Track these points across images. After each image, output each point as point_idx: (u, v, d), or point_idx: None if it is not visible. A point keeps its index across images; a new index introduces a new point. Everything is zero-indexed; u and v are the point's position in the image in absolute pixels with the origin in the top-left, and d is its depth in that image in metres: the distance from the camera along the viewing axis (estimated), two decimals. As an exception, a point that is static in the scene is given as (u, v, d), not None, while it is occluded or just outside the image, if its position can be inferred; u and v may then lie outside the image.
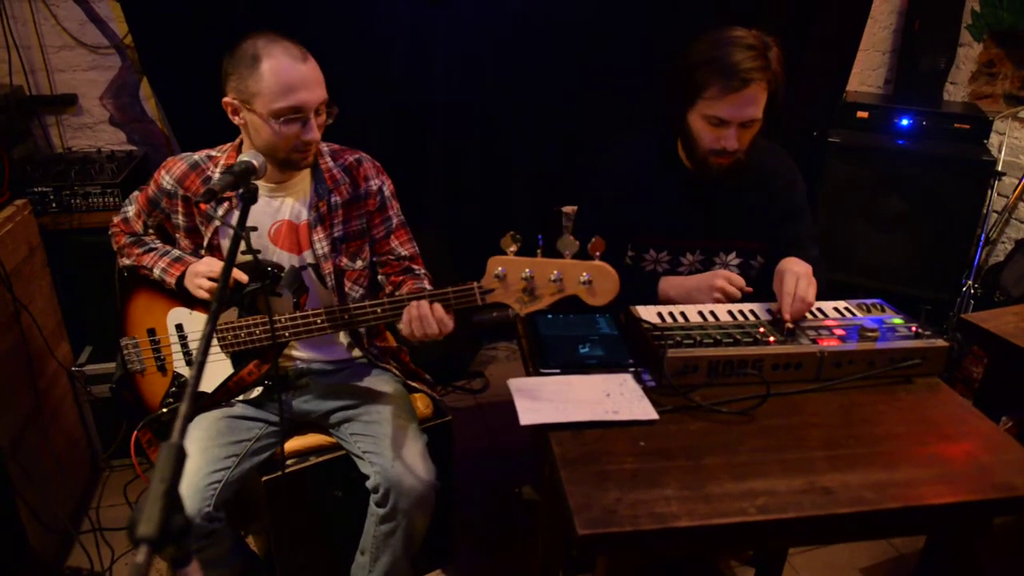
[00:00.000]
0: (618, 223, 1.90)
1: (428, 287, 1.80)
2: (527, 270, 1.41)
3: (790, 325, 1.61)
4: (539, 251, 1.41)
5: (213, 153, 1.79)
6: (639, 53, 2.94)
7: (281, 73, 1.55)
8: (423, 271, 1.90)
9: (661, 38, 2.85)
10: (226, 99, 1.63)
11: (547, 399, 1.46)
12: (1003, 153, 3.25)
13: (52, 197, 2.44)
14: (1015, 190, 3.24)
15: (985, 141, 3.14)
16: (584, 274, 1.39)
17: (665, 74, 1.82)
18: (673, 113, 1.82)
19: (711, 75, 1.69)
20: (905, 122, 3.17)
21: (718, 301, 1.78)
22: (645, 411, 1.41)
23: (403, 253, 1.90)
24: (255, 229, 1.68)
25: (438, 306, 1.54)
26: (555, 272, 1.40)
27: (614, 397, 1.47)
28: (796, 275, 1.66)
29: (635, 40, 2.94)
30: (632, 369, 1.56)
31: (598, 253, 1.38)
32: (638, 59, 2.93)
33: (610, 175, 1.96)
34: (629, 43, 2.95)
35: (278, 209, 1.77)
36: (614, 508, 1.16)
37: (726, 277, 1.78)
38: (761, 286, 1.89)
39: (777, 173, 1.93)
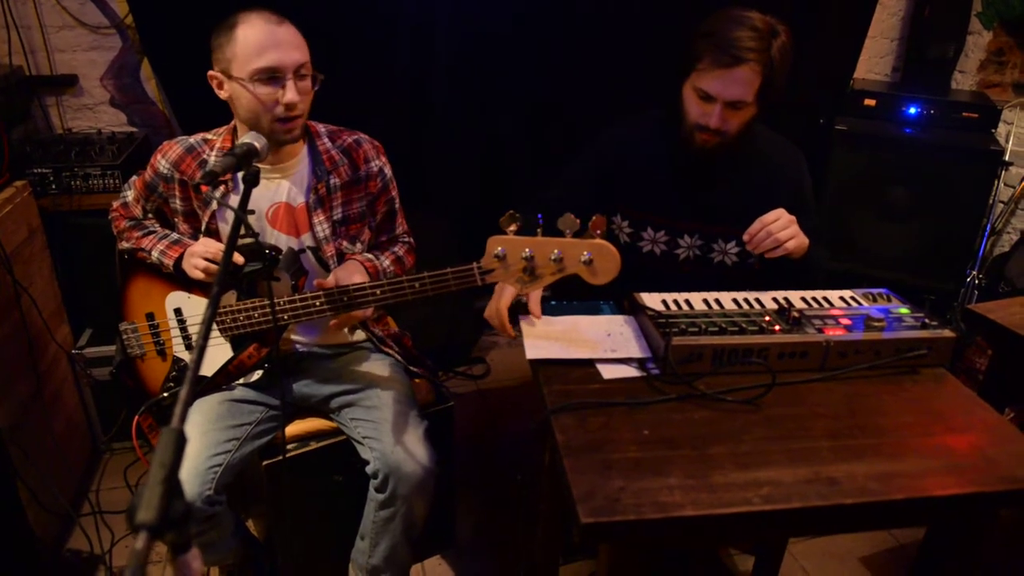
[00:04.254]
0: (609, 190, 1.89)
1: (400, 253, 1.92)
2: (527, 249, 1.40)
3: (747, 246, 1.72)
4: (539, 230, 1.40)
5: (208, 136, 1.77)
6: (644, 37, 2.91)
7: (254, 34, 1.56)
8: (411, 240, 1.99)
9: (667, 22, 2.84)
10: (211, 72, 1.63)
11: (553, 338, 1.59)
12: (1011, 143, 3.22)
13: (52, 178, 2.42)
14: (1022, 180, 3.22)
15: (993, 130, 3.12)
16: (585, 253, 1.38)
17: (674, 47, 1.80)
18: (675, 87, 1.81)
19: (707, 47, 1.68)
20: (912, 110, 3.14)
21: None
22: (642, 349, 1.55)
23: (399, 231, 1.96)
24: (252, 212, 1.67)
25: None
26: (555, 251, 1.39)
27: (614, 336, 1.60)
28: (780, 213, 1.70)
29: (639, 24, 2.91)
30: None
31: (599, 231, 1.36)
32: (643, 43, 2.91)
33: (612, 142, 1.95)
34: (634, 27, 2.92)
35: (275, 191, 1.75)
36: (617, 497, 1.15)
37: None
38: (760, 282, 1.87)
39: (784, 168, 1.91)
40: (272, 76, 1.57)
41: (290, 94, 1.58)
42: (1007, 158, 3.13)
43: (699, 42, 1.70)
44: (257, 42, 1.55)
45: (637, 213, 1.94)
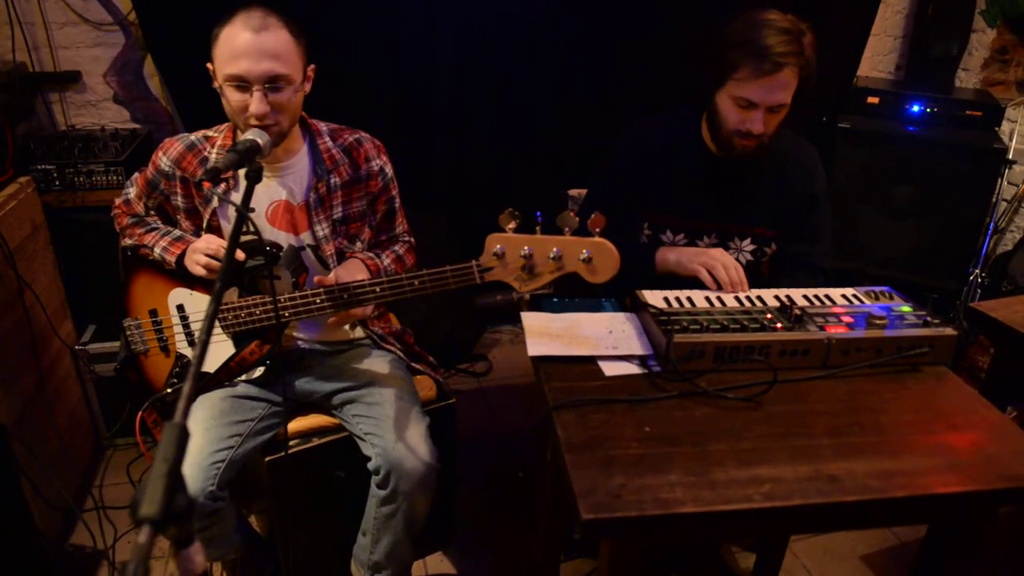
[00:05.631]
0: (634, 197, 1.89)
1: (401, 252, 1.90)
2: (526, 247, 1.40)
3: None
4: (538, 228, 1.40)
5: (210, 133, 1.78)
6: (652, 35, 2.91)
7: (230, 39, 1.54)
8: (411, 240, 1.98)
9: (676, 19, 2.84)
10: (209, 64, 1.63)
11: (555, 335, 1.58)
12: (1014, 141, 3.22)
13: (55, 175, 2.43)
14: (1025, 179, 3.22)
15: (996, 128, 3.11)
16: (584, 251, 1.37)
17: (696, 53, 1.80)
18: (700, 93, 1.81)
19: (743, 57, 1.67)
20: (916, 108, 3.14)
21: (699, 273, 1.76)
22: (643, 346, 1.54)
23: (399, 231, 1.95)
24: (252, 210, 1.67)
25: None
26: (554, 249, 1.39)
27: (616, 333, 1.60)
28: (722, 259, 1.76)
29: (649, 21, 2.91)
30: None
31: (598, 229, 1.36)
32: (652, 42, 2.90)
33: (631, 148, 1.94)
34: (642, 24, 2.91)
35: (275, 189, 1.75)
36: (618, 493, 1.15)
37: (723, 263, 1.75)
38: (772, 272, 1.87)
39: (798, 163, 1.92)
40: (241, 84, 1.56)
41: (254, 106, 1.55)
42: (1010, 156, 3.13)
43: (732, 52, 1.69)
44: (231, 48, 1.54)
45: (659, 217, 1.94)
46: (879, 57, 3.54)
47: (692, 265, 1.78)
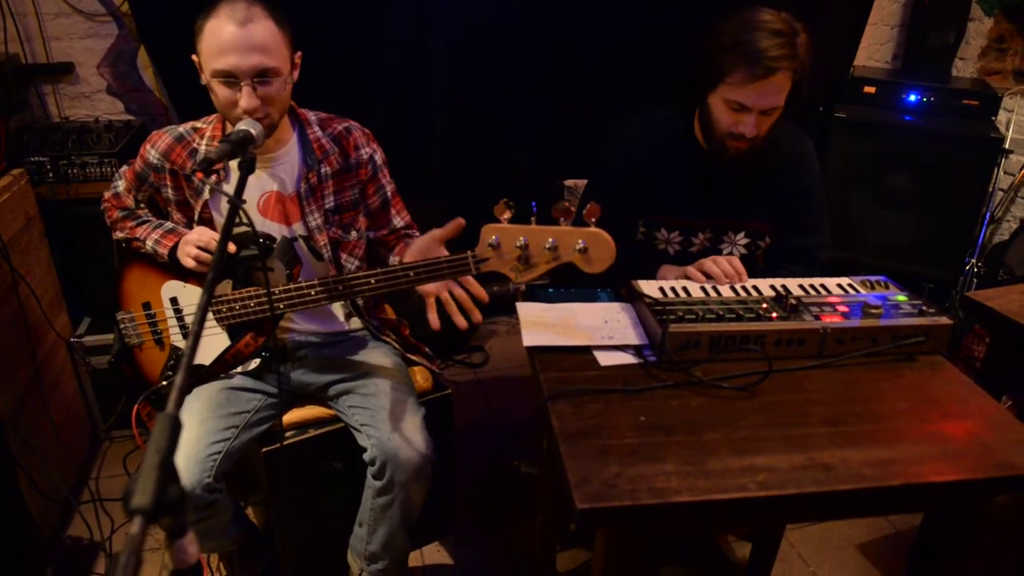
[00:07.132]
0: (630, 197, 1.88)
1: None
2: (521, 238, 1.39)
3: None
4: (533, 218, 1.39)
5: (198, 125, 1.76)
6: (648, 26, 2.90)
7: (215, 33, 1.52)
8: (419, 235, 1.90)
9: (674, 11, 2.82)
10: (194, 56, 1.61)
11: (550, 325, 1.59)
12: (1011, 131, 3.22)
13: (49, 167, 2.42)
14: (1022, 168, 3.21)
15: (993, 118, 3.11)
16: (580, 241, 1.37)
17: (690, 51, 1.78)
18: (693, 92, 1.79)
19: (736, 60, 1.65)
20: (913, 98, 3.13)
21: (693, 277, 1.76)
22: (639, 336, 1.55)
23: (399, 224, 1.91)
24: (244, 201, 1.66)
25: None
26: (550, 239, 1.38)
27: (611, 324, 1.61)
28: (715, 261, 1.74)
29: (643, 13, 2.89)
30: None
31: (593, 219, 1.35)
32: (646, 33, 2.89)
33: (625, 149, 1.93)
34: (637, 16, 2.90)
35: (266, 180, 1.74)
36: (613, 482, 1.15)
37: (713, 260, 1.74)
38: (768, 266, 1.86)
39: (791, 155, 1.90)
40: (229, 80, 1.54)
41: (244, 101, 1.54)
42: (1007, 146, 3.13)
43: (724, 56, 1.67)
44: (217, 43, 1.51)
45: (653, 217, 1.93)
46: (876, 46, 3.53)
47: (687, 272, 1.78)
